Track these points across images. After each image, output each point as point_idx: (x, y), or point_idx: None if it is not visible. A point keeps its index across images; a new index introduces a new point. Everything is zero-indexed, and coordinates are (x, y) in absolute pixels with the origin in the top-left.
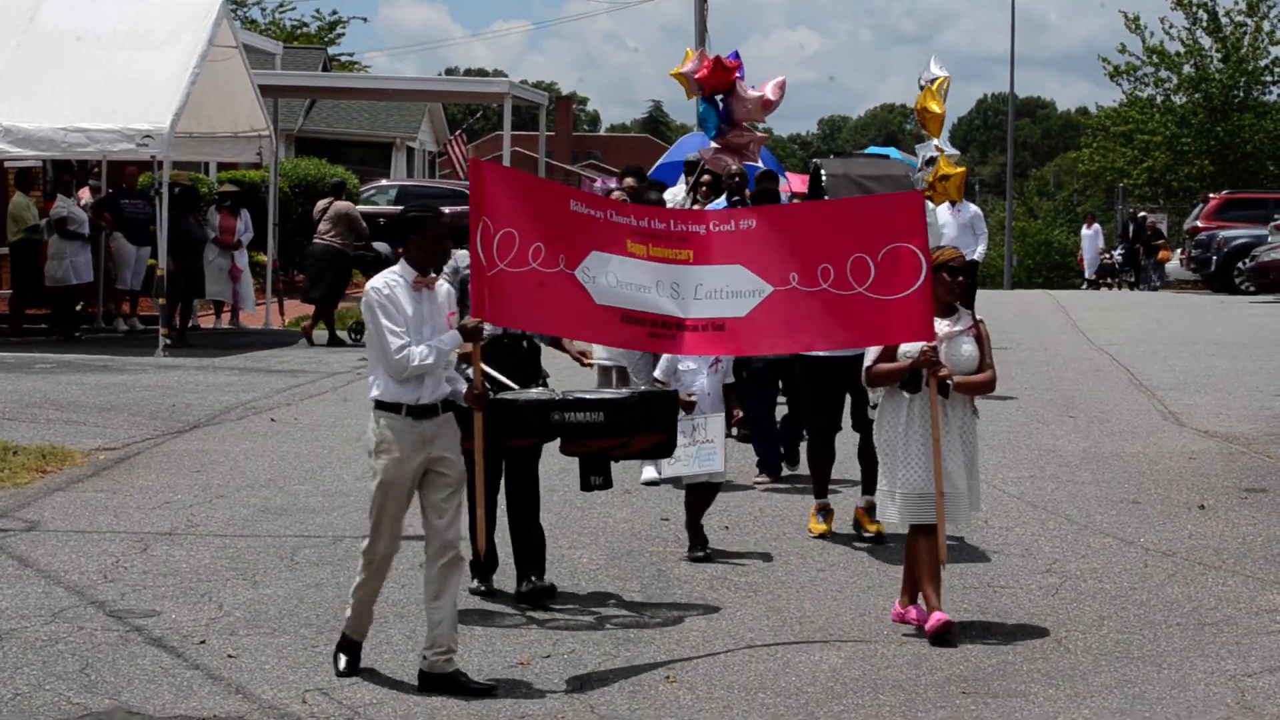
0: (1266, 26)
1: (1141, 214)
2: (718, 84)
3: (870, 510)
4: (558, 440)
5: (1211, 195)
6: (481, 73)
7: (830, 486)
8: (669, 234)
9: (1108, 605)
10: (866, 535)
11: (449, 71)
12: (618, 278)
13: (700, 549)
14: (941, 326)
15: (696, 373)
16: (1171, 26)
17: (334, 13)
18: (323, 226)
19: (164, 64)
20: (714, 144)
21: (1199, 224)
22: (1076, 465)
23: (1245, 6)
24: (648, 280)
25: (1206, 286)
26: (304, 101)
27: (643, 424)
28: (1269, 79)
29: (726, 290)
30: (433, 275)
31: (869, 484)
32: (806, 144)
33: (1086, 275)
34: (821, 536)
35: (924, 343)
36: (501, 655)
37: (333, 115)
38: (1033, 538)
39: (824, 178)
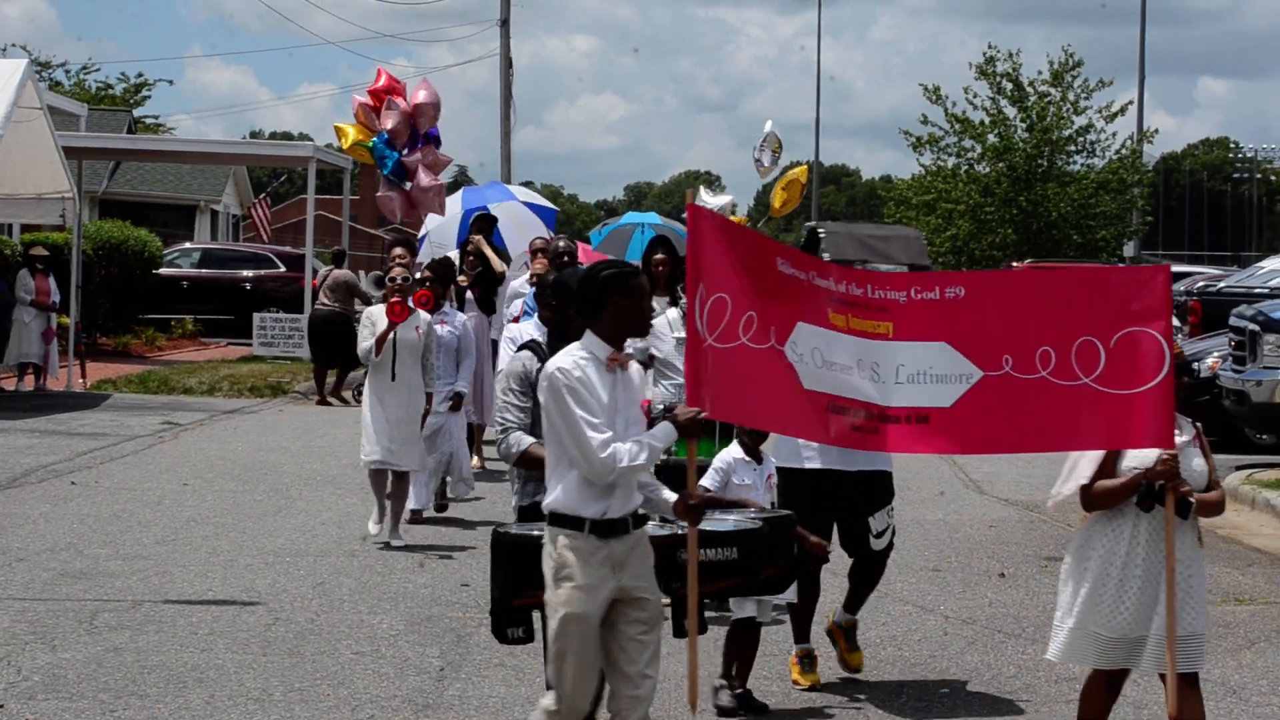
0: (1071, 96)
1: None
2: (390, 90)
3: (850, 632)
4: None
5: (1014, 264)
6: (287, 136)
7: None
8: (867, 301)
9: (907, 673)
10: (848, 673)
11: (254, 135)
12: (824, 356)
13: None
14: None
15: (753, 489)
16: (976, 96)
17: (139, 75)
18: (324, 294)
19: None
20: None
21: None
22: None
23: (1050, 76)
24: (850, 359)
25: None
26: (109, 163)
27: (771, 556)
28: (1073, 149)
29: (930, 374)
30: (628, 351)
31: (854, 601)
32: (613, 209)
33: None
34: (813, 688)
35: (1160, 450)
36: None
37: (137, 177)
38: (833, 605)
39: (822, 235)
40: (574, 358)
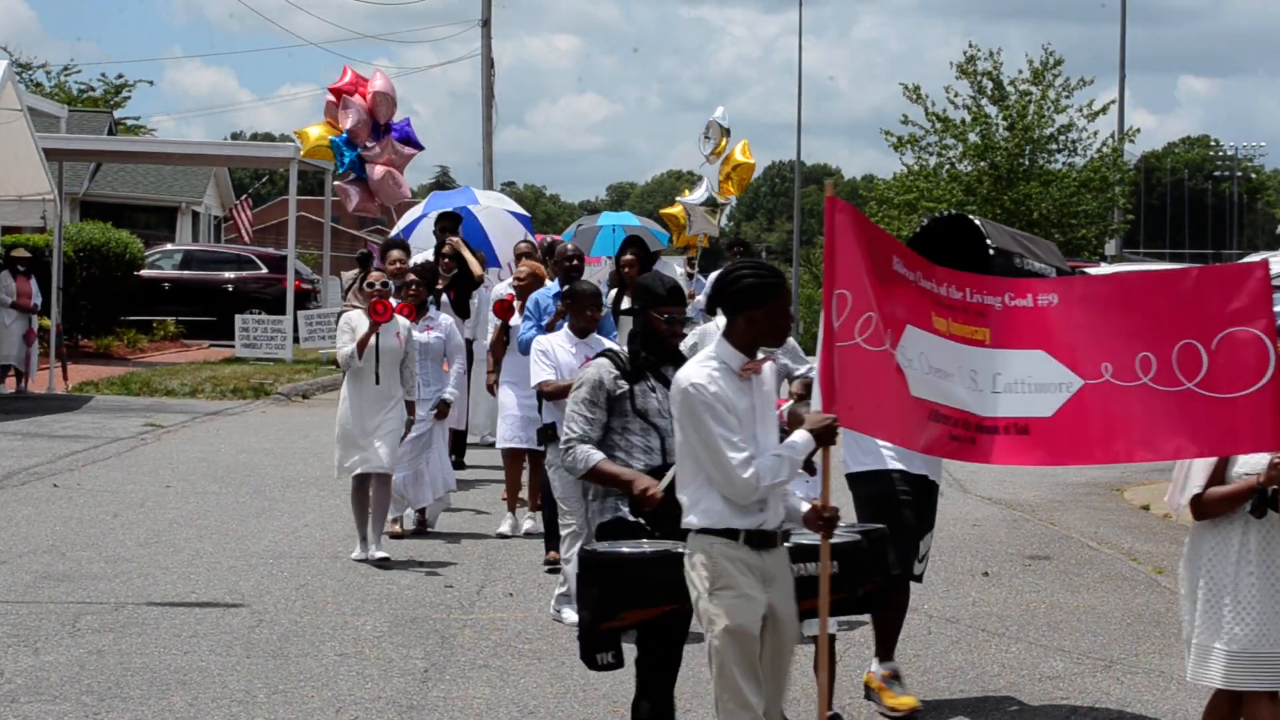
0: (1051, 95)
1: None
2: (354, 87)
3: (893, 680)
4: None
5: None
6: (268, 138)
7: None
8: (965, 306)
9: None
10: (894, 716)
11: (235, 136)
12: (929, 362)
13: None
14: None
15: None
16: (957, 95)
17: (119, 76)
18: (352, 297)
19: None
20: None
21: None
22: None
23: (1030, 75)
24: (951, 366)
25: None
26: (89, 165)
27: (869, 572)
28: (1054, 147)
29: (1029, 382)
30: (761, 356)
31: (888, 645)
32: (595, 210)
33: None
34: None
35: (1272, 455)
36: None
37: (118, 179)
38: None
39: (977, 222)
40: (707, 370)
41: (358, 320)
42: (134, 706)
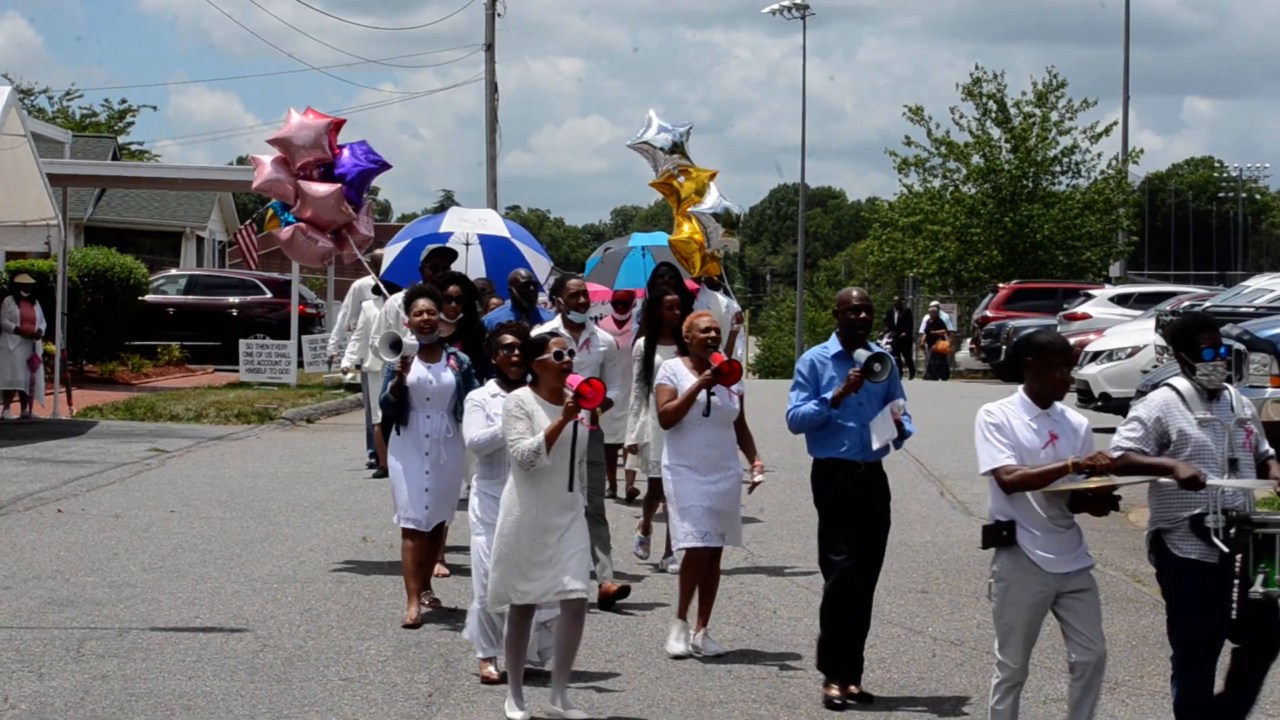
0: (1055, 117)
1: (934, 304)
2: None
3: None
4: None
5: (1000, 285)
6: None
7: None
8: None
9: (895, 695)
10: None
11: (240, 161)
12: None
13: None
14: None
15: None
16: (962, 117)
17: (123, 101)
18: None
19: None
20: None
21: (988, 314)
22: None
23: (1034, 97)
24: None
25: (997, 376)
26: (93, 190)
27: None
28: (1057, 169)
29: None
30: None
31: None
32: (600, 234)
33: None
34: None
35: None
36: None
37: (122, 204)
38: None
39: None
40: None
41: (533, 404)
42: None
